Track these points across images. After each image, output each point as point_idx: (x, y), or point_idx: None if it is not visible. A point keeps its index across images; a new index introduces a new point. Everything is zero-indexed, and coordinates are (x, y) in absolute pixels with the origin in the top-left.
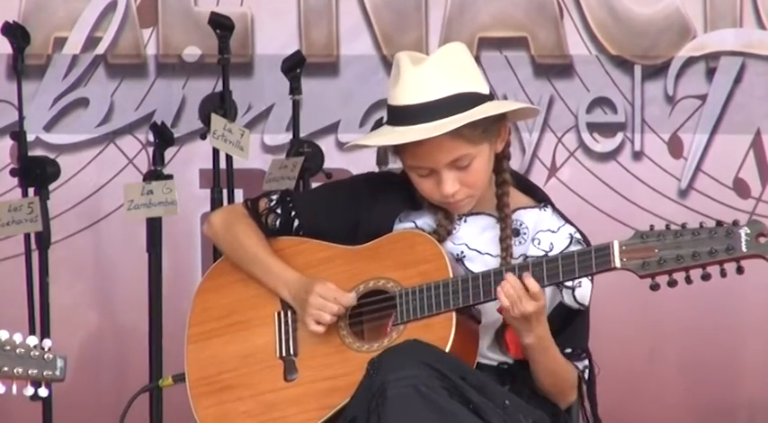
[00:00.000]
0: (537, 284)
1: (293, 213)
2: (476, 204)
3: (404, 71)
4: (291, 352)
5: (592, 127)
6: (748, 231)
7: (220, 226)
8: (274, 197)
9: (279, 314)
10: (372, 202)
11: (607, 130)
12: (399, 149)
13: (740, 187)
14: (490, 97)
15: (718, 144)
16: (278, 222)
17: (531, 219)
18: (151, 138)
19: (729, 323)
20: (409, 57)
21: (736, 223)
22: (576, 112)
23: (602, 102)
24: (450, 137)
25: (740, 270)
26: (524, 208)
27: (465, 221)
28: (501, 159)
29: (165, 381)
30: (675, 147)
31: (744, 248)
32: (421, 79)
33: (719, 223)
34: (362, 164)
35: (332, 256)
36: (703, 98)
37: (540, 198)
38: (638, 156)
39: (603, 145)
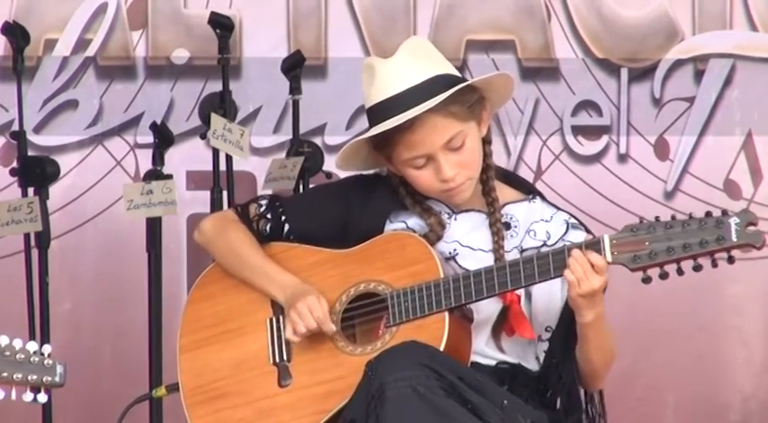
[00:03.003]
0: (602, 259)
1: (283, 218)
2: (466, 201)
3: (378, 69)
4: (285, 358)
5: (577, 130)
6: (737, 221)
7: (212, 232)
8: (263, 203)
9: (271, 320)
10: (362, 203)
11: (592, 132)
12: (391, 145)
13: (731, 188)
14: (465, 79)
15: (708, 146)
16: (268, 227)
17: (522, 212)
18: (139, 140)
19: (719, 322)
20: (377, 58)
21: (725, 213)
22: (561, 116)
23: (587, 105)
24: (441, 116)
25: (731, 260)
26: (513, 202)
27: (455, 219)
28: (483, 144)
29: (158, 391)
30: (662, 149)
31: (734, 238)
32: (397, 71)
33: (709, 214)
34: None
35: (322, 260)
36: (691, 100)
37: (527, 190)
38: (623, 158)
39: (588, 148)
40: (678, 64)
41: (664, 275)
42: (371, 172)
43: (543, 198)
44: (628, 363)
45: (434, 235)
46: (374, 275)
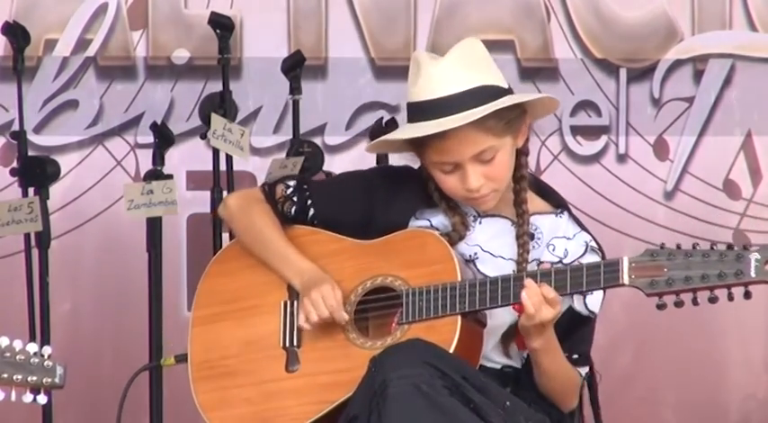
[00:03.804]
0: (553, 292)
1: (309, 202)
2: (493, 207)
3: (424, 67)
4: (295, 343)
5: (575, 130)
6: (758, 257)
7: (236, 208)
8: (291, 184)
9: (285, 303)
10: (389, 197)
11: (591, 132)
12: (423, 145)
13: (731, 189)
14: (510, 91)
15: (707, 146)
16: (293, 210)
17: (547, 225)
18: (140, 140)
19: (719, 322)
20: (427, 55)
21: (746, 247)
22: (559, 116)
23: (586, 105)
24: (475, 129)
25: (748, 295)
26: (540, 213)
27: (480, 223)
28: (519, 155)
29: (166, 360)
30: (661, 149)
31: (752, 273)
32: (443, 73)
33: (731, 246)
34: (351, 166)
35: (342, 248)
36: (690, 100)
37: (557, 203)
38: (622, 158)
39: (587, 148)
40: (677, 64)
41: (679, 303)
42: (402, 165)
43: (571, 214)
44: (628, 363)
45: (457, 235)
46: (392, 270)
